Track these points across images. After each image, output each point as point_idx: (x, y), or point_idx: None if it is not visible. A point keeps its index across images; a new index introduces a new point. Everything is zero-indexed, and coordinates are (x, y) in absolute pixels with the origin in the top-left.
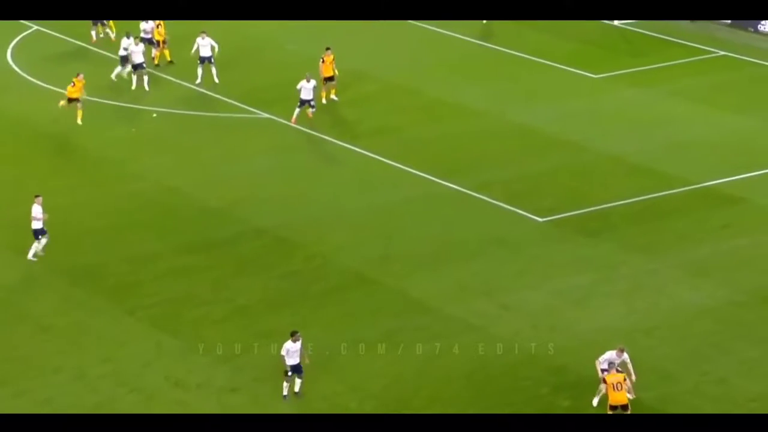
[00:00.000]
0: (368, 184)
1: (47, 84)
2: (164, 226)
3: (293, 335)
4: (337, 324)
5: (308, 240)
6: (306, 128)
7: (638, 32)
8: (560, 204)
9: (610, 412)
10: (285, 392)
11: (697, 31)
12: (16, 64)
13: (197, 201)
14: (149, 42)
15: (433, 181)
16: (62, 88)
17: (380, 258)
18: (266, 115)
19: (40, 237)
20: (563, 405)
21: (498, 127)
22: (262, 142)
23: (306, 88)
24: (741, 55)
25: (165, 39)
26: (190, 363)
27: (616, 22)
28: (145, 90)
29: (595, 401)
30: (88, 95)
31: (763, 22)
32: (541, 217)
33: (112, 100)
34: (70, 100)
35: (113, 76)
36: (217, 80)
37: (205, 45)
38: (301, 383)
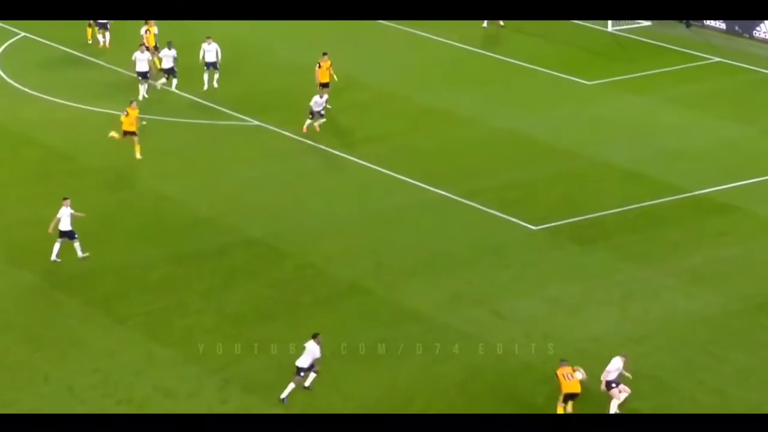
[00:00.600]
0: (360, 193)
1: (35, 91)
2: (154, 234)
3: (315, 337)
4: (329, 334)
5: (299, 249)
6: (298, 136)
7: (632, 38)
8: (554, 212)
9: (561, 404)
10: (284, 394)
11: (692, 37)
12: (3, 71)
13: (188, 209)
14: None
15: (426, 188)
16: (49, 95)
17: (372, 267)
18: (257, 123)
19: (67, 239)
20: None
21: (491, 134)
22: (252, 150)
23: (318, 103)
24: (736, 61)
25: (156, 45)
26: (180, 373)
27: (610, 28)
28: (144, 96)
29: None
30: (83, 104)
31: (758, 27)
32: (535, 224)
33: (99, 107)
34: (126, 133)
35: (171, 88)
36: (216, 85)
37: (210, 50)
38: (314, 378)
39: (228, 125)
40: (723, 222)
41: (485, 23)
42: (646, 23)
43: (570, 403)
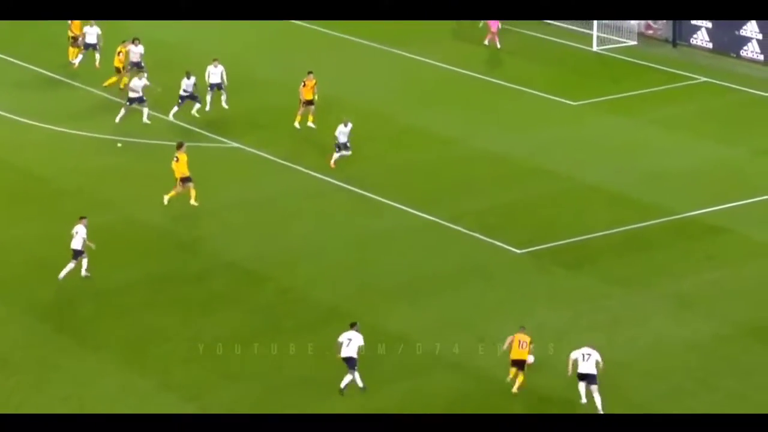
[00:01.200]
0: (341, 215)
1: (8, 113)
2: (131, 259)
3: (353, 326)
4: (312, 360)
5: (280, 273)
6: (275, 157)
7: (618, 58)
8: (538, 235)
9: (511, 370)
10: (343, 384)
11: (678, 56)
12: None
13: (165, 233)
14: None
15: (409, 211)
16: (25, 117)
17: (355, 291)
18: (235, 144)
19: (78, 258)
20: None
21: (474, 155)
22: (231, 172)
23: (343, 132)
24: (723, 81)
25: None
26: (157, 401)
27: (595, 48)
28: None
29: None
30: (54, 125)
31: (745, 47)
32: (519, 248)
33: (75, 130)
34: (183, 180)
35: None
36: (225, 106)
37: (216, 72)
38: (358, 376)
39: (206, 147)
40: (711, 245)
41: (486, 41)
42: (632, 42)
43: (520, 375)
